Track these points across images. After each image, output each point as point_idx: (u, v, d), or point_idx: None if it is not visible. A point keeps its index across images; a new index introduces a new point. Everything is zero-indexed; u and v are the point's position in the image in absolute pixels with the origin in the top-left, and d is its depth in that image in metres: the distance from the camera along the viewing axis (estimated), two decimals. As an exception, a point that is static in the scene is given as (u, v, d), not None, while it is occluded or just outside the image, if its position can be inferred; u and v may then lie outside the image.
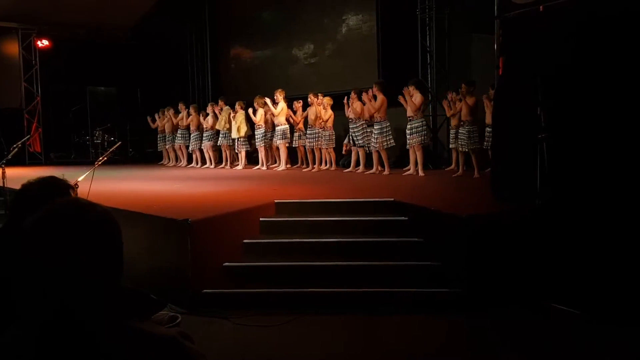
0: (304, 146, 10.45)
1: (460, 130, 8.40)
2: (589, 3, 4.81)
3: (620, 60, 4.55)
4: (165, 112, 12.91)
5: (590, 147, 4.70)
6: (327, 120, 9.77)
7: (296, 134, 10.48)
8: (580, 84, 4.81)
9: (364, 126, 9.19)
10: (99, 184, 6.16)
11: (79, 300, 1.01)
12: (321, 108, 9.82)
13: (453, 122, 8.72)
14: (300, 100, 10.49)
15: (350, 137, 9.50)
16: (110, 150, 6.24)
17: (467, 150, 8.31)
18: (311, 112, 10.05)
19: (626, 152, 4.49)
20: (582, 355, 3.72)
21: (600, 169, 4.63)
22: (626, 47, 4.51)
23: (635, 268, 4.22)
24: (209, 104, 12.15)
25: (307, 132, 10.14)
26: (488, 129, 8.06)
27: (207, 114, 11.92)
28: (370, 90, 9.01)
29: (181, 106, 12.70)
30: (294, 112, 10.52)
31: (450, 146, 8.95)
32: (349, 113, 9.33)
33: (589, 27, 4.77)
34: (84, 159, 14.18)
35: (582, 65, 4.79)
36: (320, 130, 9.87)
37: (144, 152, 15.69)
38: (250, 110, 10.74)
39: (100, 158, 5.90)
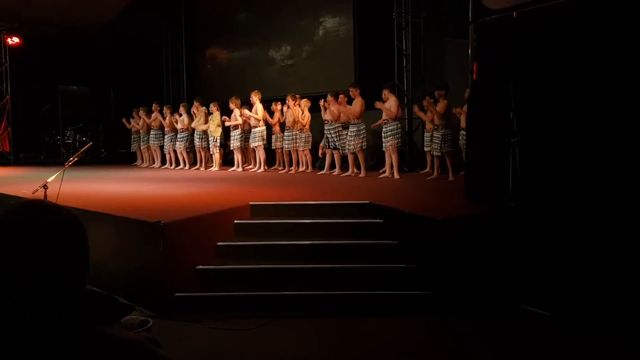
0: (282, 148, 10.42)
1: (434, 134, 8.47)
2: (561, 10, 4.90)
3: (591, 66, 4.63)
4: (140, 112, 12.75)
5: (561, 151, 4.78)
6: (305, 123, 9.78)
7: (274, 136, 10.45)
8: (552, 89, 4.89)
9: (339, 129, 9.23)
10: (69, 185, 6.05)
11: (43, 304, 0.98)
12: (299, 110, 9.82)
13: (428, 125, 8.79)
14: (279, 102, 10.46)
15: (326, 140, 9.51)
16: (82, 150, 6.12)
17: (440, 153, 8.39)
18: (289, 114, 10.03)
19: (596, 156, 4.57)
20: (552, 355, 3.78)
21: (570, 173, 4.72)
22: (597, 53, 4.60)
23: (601, 270, 4.30)
24: (182, 105, 12.04)
25: (285, 134, 10.11)
26: (462, 133, 8.14)
27: (181, 115, 11.81)
28: (342, 95, 9.09)
29: (155, 106, 12.55)
30: (272, 114, 10.50)
31: (425, 149, 9.02)
32: (326, 115, 9.35)
33: (561, 33, 4.86)
34: (55, 160, 13.92)
35: (554, 71, 4.87)
36: (297, 132, 9.86)
37: (116, 152, 15.46)
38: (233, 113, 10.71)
39: (71, 158, 5.78)
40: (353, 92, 8.92)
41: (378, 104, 8.60)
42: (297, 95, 10.04)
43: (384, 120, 8.59)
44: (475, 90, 5.95)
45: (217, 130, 11.00)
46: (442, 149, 8.32)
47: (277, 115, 10.40)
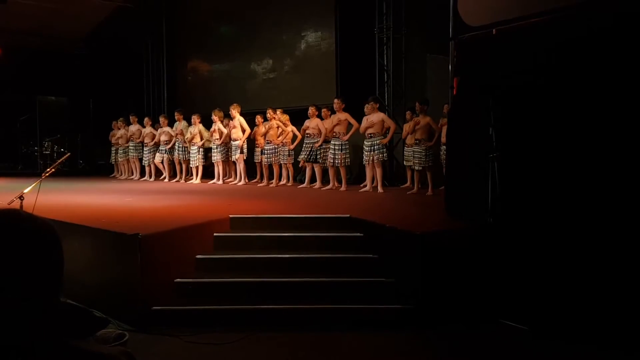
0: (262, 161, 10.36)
1: (415, 149, 8.54)
2: (539, 28, 5.00)
3: (569, 83, 4.72)
4: (119, 123, 12.65)
5: (540, 166, 4.85)
6: (287, 136, 9.77)
7: (258, 149, 10.38)
8: (530, 106, 4.96)
9: (321, 142, 9.22)
10: (46, 196, 5.95)
11: (15, 316, 0.95)
12: (280, 124, 9.80)
13: (409, 140, 8.85)
14: (261, 115, 10.41)
15: (307, 153, 9.49)
16: (59, 161, 6.03)
17: (422, 168, 8.44)
18: (270, 127, 10.01)
19: (575, 170, 4.64)
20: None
21: (549, 188, 4.78)
22: (575, 70, 4.70)
23: (580, 284, 4.35)
24: (161, 117, 11.95)
25: (266, 147, 10.09)
26: (443, 148, 8.21)
27: (161, 127, 11.72)
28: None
29: (133, 118, 12.45)
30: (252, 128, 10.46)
31: (405, 163, 9.07)
32: (309, 129, 9.31)
33: (539, 50, 4.95)
34: (32, 170, 13.71)
35: (533, 87, 4.95)
36: (279, 145, 9.85)
37: (95, 164, 15.28)
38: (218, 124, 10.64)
39: (48, 169, 5.69)
40: (338, 104, 8.92)
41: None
42: (277, 110, 10.04)
43: (369, 134, 8.60)
44: (455, 105, 6.01)
45: (198, 141, 10.94)
46: (423, 164, 8.38)
47: (248, 131, 10.30)
